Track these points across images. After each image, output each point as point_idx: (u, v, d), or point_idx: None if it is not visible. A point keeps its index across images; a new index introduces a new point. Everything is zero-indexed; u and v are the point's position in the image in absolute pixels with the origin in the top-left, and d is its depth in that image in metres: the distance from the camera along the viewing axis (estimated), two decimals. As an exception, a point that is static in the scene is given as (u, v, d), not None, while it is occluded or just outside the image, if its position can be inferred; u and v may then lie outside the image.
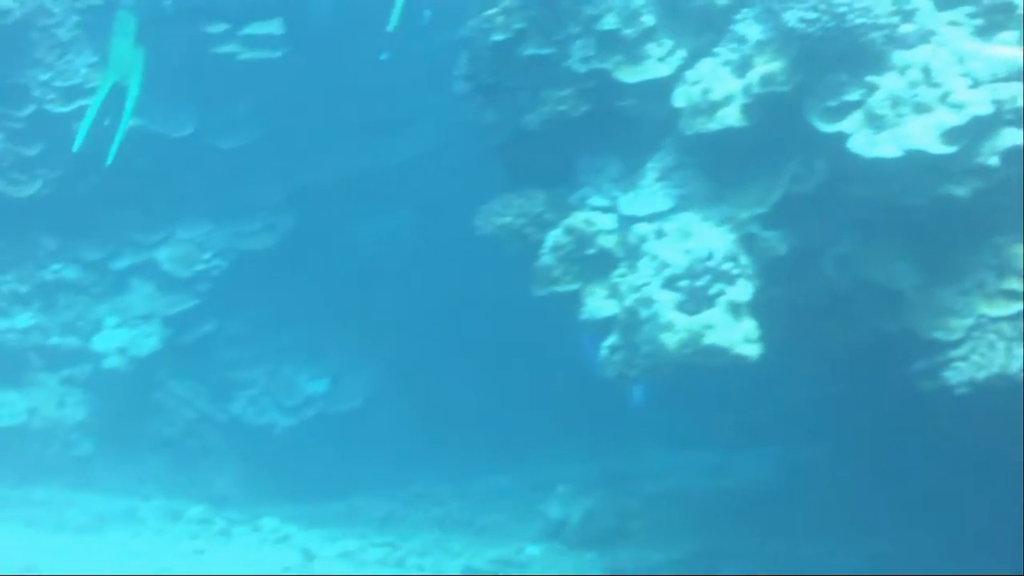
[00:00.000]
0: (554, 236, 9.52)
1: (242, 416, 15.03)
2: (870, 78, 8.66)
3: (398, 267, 15.49)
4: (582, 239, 9.36)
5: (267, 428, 15.10)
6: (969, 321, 8.58)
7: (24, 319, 14.36)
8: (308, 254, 15.15)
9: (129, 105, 12.24)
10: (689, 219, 9.13)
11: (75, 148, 11.96)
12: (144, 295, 14.79)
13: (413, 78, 14.56)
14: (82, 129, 11.90)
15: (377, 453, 15.25)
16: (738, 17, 9.40)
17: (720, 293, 8.68)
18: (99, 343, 14.46)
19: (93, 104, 12.53)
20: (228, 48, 14.35)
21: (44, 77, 14.28)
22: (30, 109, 14.30)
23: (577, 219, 9.44)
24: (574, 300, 9.45)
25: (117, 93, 12.44)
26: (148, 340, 14.45)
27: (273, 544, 11.95)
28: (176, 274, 14.82)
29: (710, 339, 8.51)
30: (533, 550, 12.04)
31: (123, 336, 14.45)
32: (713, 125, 9.04)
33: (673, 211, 9.27)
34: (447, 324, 15.62)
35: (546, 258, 9.49)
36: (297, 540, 12.20)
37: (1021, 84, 8.47)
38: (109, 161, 11.42)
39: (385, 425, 15.48)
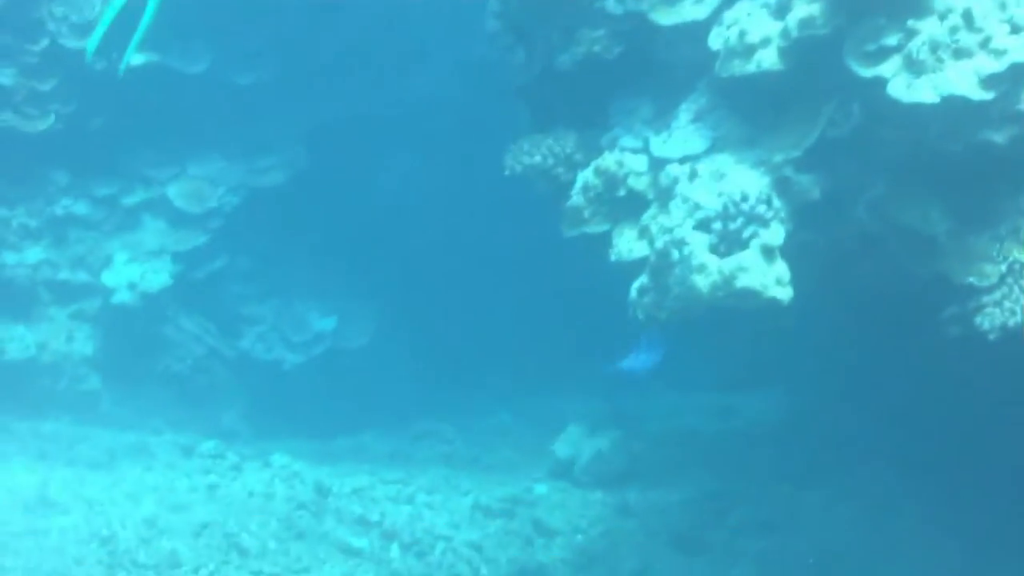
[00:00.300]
0: (584, 177, 9.45)
1: (251, 352, 14.93)
2: (910, 22, 8.58)
3: (408, 206, 15.34)
4: (613, 180, 9.30)
5: (275, 364, 14.90)
6: (1003, 267, 8.55)
7: (34, 254, 14.35)
8: (320, 192, 14.95)
9: (148, 14, 11.95)
10: (723, 161, 9.08)
11: (88, 55, 11.64)
12: (155, 231, 14.77)
13: (430, 14, 14.37)
14: (96, 34, 11.55)
15: (383, 391, 15.22)
16: (778, -41, 9.29)
17: (754, 235, 8.62)
18: (109, 278, 14.39)
19: (111, 8, 12.25)
20: (244, -18, 14.07)
21: (59, 11, 14.13)
22: (44, 43, 14.17)
23: (608, 160, 9.37)
24: (603, 241, 9.36)
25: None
26: (158, 276, 14.45)
27: (284, 480, 11.98)
28: (187, 210, 14.76)
29: (743, 282, 8.48)
30: (541, 488, 12.02)
31: (133, 271, 14.46)
32: (749, 67, 8.98)
33: (706, 153, 9.20)
34: (454, 263, 15.49)
35: (576, 199, 9.43)
36: (308, 476, 12.21)
37: (1063, 32, 8.41)
38: (123, 69, 11.07)
39: (391, 363, 15.43)
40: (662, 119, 9.44)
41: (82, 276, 14.54)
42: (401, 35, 15.13)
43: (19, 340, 13.95)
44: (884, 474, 11.75)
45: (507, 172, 9.59)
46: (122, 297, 14.40)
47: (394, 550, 10.82)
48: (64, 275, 14.49)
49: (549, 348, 15.57)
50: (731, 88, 9.14)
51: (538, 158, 9.39)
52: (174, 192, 14.86)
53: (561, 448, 12.59)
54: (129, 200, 14.89)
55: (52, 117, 14.34)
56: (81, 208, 14.71)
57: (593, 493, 12.14)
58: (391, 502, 11.81)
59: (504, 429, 14.60)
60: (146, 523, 10.72)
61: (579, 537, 11.25)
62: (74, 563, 10.12)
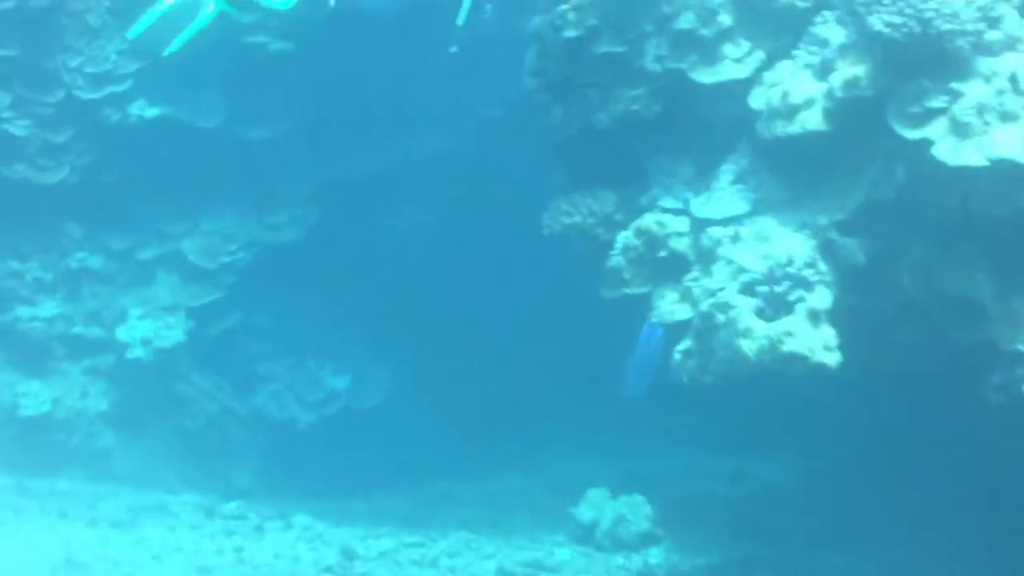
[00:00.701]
0: (625, 237, 9.37)
1: (264, 410, 14.72)
2: (955, 85, 8.50)
3: (419, 263, 15.22)
4: (653, 241, 9.22)
5: (289, 423, 14.73)
6: (1053, 333, 8.39)
7: (49, 308, 14.13)
8: (333, 249, 14.81)
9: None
10: (766, 223, 9.01)
11: (131, 35, 11.33)
12: (169, 286, 14.65)
13: (444, 73, 14.29)
14: (146, 19, 11.20)
15: (396, 451, 15.08)
16: (818, 20, 9.24)
17: (800, 299, 8.51)
18: (123, 334, 14.21)
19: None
20: (259, 39, 13.94)
21: (74, 63, 14.05)
22: (59, 95, 14.06)
23: (648, 220, 9.30)
24: (644, 303, 9.25)
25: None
26: (172, 332, 14.30)
27: (308, 542, 11.79)
28: (201, 265, 14.49)
29: (790, 346, 8.37)
30: (564, 553, 11.82)
31: (147, 327, 14.28)
32: (793, 128, 8.90)
33: (749, 215, 9.13)
34: (465, 322, 15.34)
35: (616, 259, 9.35)
36: (331, 538, 12.03)
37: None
38: (169, 51, 10.78)
39: (404, 423, 15.26)
40: (702, 180, 9.36)
41: (96, 331, 14.40)
42: (413, 93, 14.94)
43: (34, 396, 13.76)
44: (907, 541, 11.44)
45: (546, 231, 9.45)
46: (136, 353, 14.27)
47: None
48: (78, 329, 14.37)
49: (563, 411, 15.31)
50: (773, 148, 9.06)
51: (578, 218, 9.30)
52: (188, 247, 14.67)
53: (584, 512, 12.37)
54: (144, 255, 14.77)
55: (67, 169, 14.22)
56: (95, 262, 14.59)
57: (615, 558, 11.87)
58: (416, 566, 11.59)
59: (519, 492, 14.31)
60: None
61: (596, 604, 10.98)
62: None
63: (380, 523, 13.20)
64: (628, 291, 9.36)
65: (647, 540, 12.00)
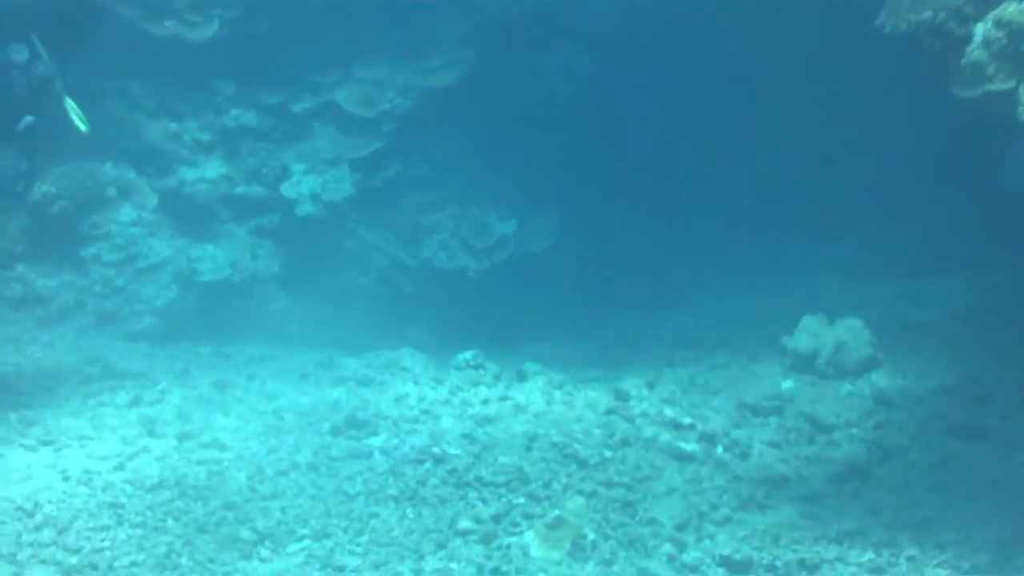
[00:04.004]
0: (983, 30, 8.77)
1: (433, 261, 14.24)
2: None
3: (577, 103, 14.69)
4: (1017, 32, 8.64)
5: (459, 272, 14.25)
6: None
7: (212, 168, 13.47)
8: (489, 90, 14.25)
9: None
10: None
11: None
12: (327, 138, 14.07)
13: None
14: None
15: (567, 294, 14.60)
16: None
17: None
18: (289, 190, 13.64)
19: None
20: None
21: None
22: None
23: (1011, 10, 8.69)
24: (1009, 99, 8.73)
25: None
26: (340, 185, 13.89)
27: (557, 388, 11.31)
28: (359, 115, 13.91)
29: None
30: (787, 383, 11.48)
31: (313, 182, 13.65)
32: None
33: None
34: (622, 163, 14.91)
35: (977, 54, 8.76)
36: (564, 381, 11.57)
37: None
38: None
39: (571, 266, 14.79)
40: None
41: (258, 190, 13.87)
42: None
43: (212, 259, 13.27)
44: None
45: (887, 30, 8.88)
46: (306, 209, 13.73)
47: (719, 451, 10.16)
48: (240, 189, 13.80)
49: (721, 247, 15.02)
50: None
51: (928, 13, 8.69)
52: (343, 97, 14.09)
53: (801, 341, 12.01)
54: (298, 107, 14.14)
55: (216, 23, 13.42)
56: (251, 118, 13.98)
57: (842, 385, 11.54)
58: (667, 405, 11.18)
59: (694, 330, 13.97)
60: (466, 439, 10.04)
61: (855, 431, 10.69)
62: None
63: (586, 366, 12.74)
64: (991, 87, 8.79)
65: (869, 365, 11.56)
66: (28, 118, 10.14)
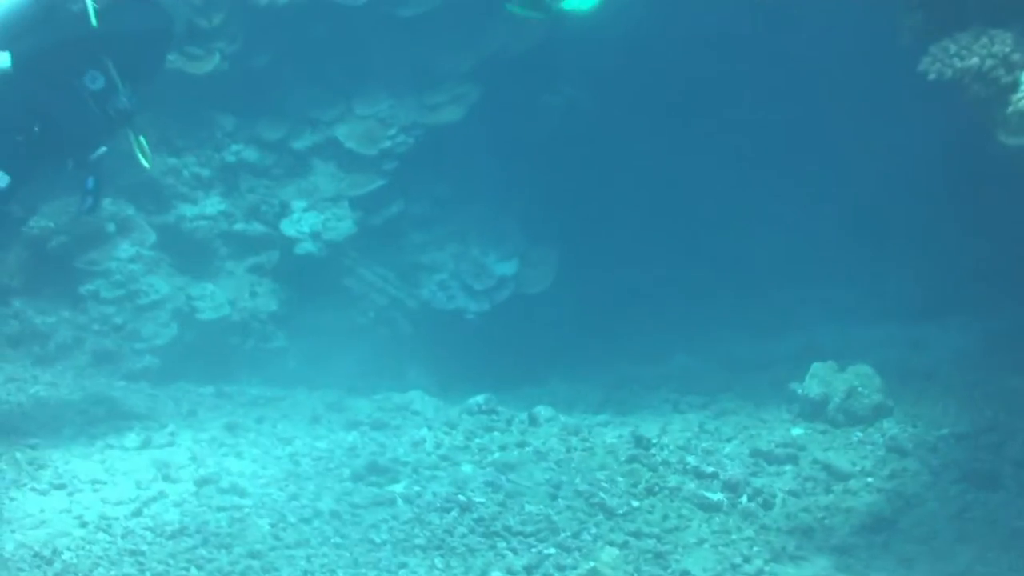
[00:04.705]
0: (1032, 77, 8.67)
1: (432, 301, 14.07)
2: None
3: (577, 140, 14.57)
4: (1064, 81, 8.55)
5: (457, 313, 14.08)
6: None
7: (212, 204, 13.27)
8: (492, 128, 14.11)
9: None
10: None
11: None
12: (328, 175, 13.89)
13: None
14: None
15: (567, 336, 14.49)
16: None
17: None
18: (289, 228, 13.42)
19: None
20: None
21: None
22: (209, -26, 13.06)
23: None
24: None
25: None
26: (341, 223, 13.73)
27: (573, 433, 11.14)
28: (360, 152, 13.73)
29: None
30: (797, 431, 11.39)
31: (314, 220, 13.46)
32: None
33: None
34: (626, 201, 14.80)
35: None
36: (578, 427, 11.43)
37: None
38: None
39: (571, 306, 14.68)
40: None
41: (257, 227, 13.67)
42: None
43: (211, 298, 13.07)
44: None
45: (932, 77, 8.79)
46: (306, 247, 13.54)
47: (744, 501, 10.03)
48: (240, 226, 13.58)
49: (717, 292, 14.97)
50: None
51: (975, 60, 8.60)
52: (344, 133, 13.89)
53: (812, 387, 11.90)
54: (298, 144, 13.92)
55: (217, 57, 13.27)
56: (251, 154, 13.74)
57: (853, 432, 11.44)
58: (687, 453, 11.06)
59: (697, 373, 13.87)
60: (490, 486, 9.87)
61: (870, 480, 10.59)
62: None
63: (592, 410, 12.63)
64: (1038, 136, 8.70)
65: (880, 412, 11.47)
66: (102, 148, 10.15)
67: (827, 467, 10.66)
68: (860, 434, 11.29)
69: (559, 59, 14.48)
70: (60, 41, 10.06)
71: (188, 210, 13.41)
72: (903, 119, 13.53)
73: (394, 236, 14.13)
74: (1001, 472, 10.21)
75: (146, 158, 10.13)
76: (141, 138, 10.07)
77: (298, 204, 13.72)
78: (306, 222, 13.61)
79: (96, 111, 9.93)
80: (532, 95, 14.57)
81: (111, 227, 12.91)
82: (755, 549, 9.25)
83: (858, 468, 10.65)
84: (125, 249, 12.94)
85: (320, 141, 14.05)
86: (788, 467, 10.74)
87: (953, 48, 8.61)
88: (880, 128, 14.33)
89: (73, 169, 10.15)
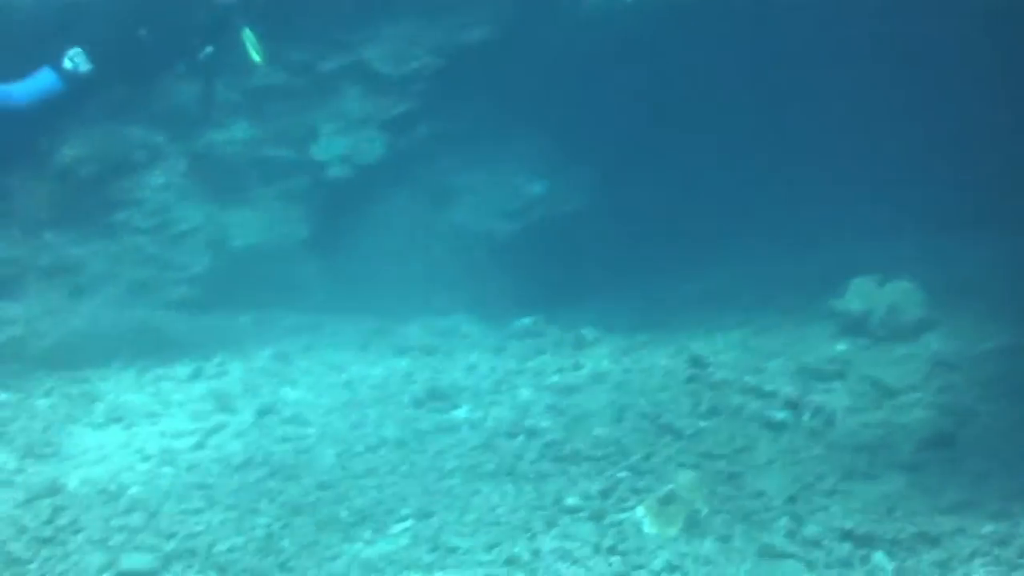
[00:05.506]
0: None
1: (464, 223, 13.91)
2: None
3: (605, 59, 14.35)
4: None
5: (490, 234, 13.93)
6: None
7: (240, 129, 13.12)
8: (522, 47, 13.88)
9: None
10: None
11: None
12: (356, 98, 13.64)
13: None
14: None
15: (603, 255, 14.36)
16: None
17: None
18: (318, 152, 13.23)
19: None
20: None
21: None
22: None
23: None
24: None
25: None
26: (371, 146, 13.44)
27: (626, 354, 11.02)
28: (388, 73, 13.49)
29: None
30: (841, 346, 11.30)
31: (343, 144, 13.24)
32: None
33: None
34: (663, 118, 14.62)
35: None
36: (624, 346, 11.32)
37: None
38: None
39: (604, 225, 14.53)
40: None
41: (287, 152, 13.41)
42: None
43: (242, 224, 12.80)
44: None
45: None
46: (336, 171, 13.35)
47: (806, 419, 9.93)
48: (269, 151, 13.33)
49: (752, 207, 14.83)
50: None
51: None
52: (372, 55, 13.60)
53: (853, 302, 11.82)
54: (325, 66, 13.67)
55: (240, -24, 12.94)
56: (278, 78, 13.46)
57: (897, 347, 11.36)
58: (749, 373, 10.93)
59: (730, 291, 13.75)
60: (553, 410, 9.77)
61: (918, 394, 10.51)
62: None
63: (632, 329, 12.49)
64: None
65: (923, 327, 11.39)
66: (208, 48, 10.29)
67: (875, 383, 10.50)
68: (904, 349, 11.07)
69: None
70: None
71: (217, 135, 13.07)
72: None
73: (424, 159, 13.92)
74: (1046, 387, 10.00)
75: (257, 52, 9.96)
76: (248, 31, 9.90)
77: (327, 128, 13.39)
78: (335, 146, 13.37)
79: (200, 12, 9.77)
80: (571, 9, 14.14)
81: (141, 155, 12.59)
82: (826, 467, 9.04)
83: (905, 383, 10.46)
84: (156, 177, 12.71)
85: (347, 63, 13.74)
86: (836, 383, 10.64)
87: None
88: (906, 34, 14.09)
89: (185, 72, 9.80)
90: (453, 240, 14.06)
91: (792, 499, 8.61)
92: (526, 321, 11.56)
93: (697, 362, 10.71)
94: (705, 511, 8.32)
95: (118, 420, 9.55)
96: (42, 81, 9.74)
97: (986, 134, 13.76)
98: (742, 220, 14.88)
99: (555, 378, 10.49)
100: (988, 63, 12.92)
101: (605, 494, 8.60)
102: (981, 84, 13.56)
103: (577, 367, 10.67)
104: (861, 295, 11.79)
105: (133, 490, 8.52)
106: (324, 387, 10.21)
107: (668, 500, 8.31)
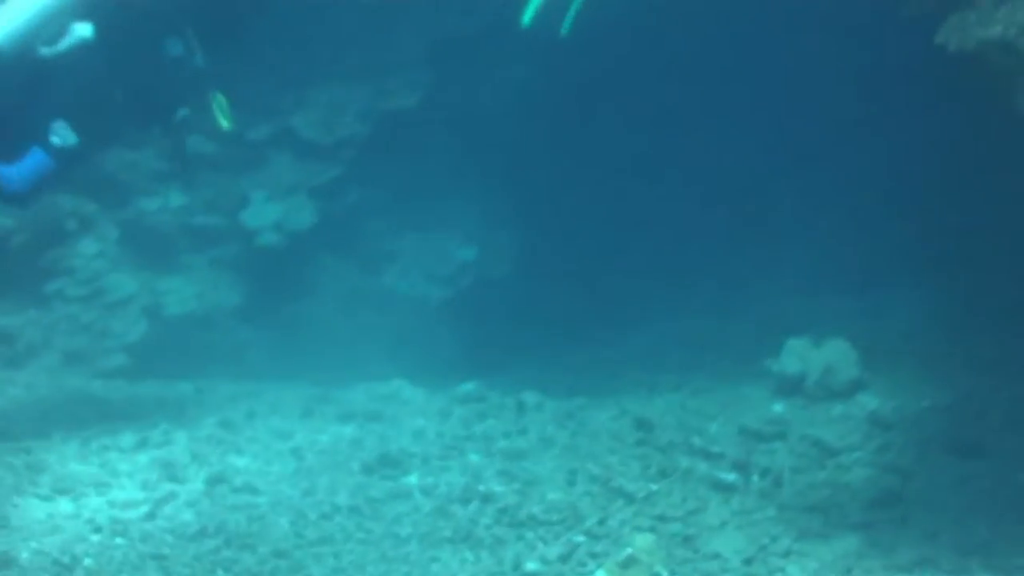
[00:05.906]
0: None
1: (395, 288, 13.88)
2: None
3: (527, 121, 14.45)
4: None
5: (421, 300, 13.93)
6: None
7: (175, 198, 13.04)
8: (447, 112, 13.96)
9: None
10: None
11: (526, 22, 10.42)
12: (285, 165, 13.55)
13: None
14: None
15: (532, 319, 14.37)
16: None
17: None
18: (250, 219, 13.16)
19: None
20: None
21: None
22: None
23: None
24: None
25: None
26: (302, 213, 13.35)
27: (572, 417, 11.08)
28: (317, 141, 13.47)
29: None
30: (778, 407, 11.37)
31: (274, 211, 13.21)
32: None
33: None
34: (581, 185, 14.73)
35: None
36: (570, 409, 11.35)
37: None
38: (565, 31, 10.00)
39: (531, 289, 14.57)
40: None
41: (216, 219, 13.31)
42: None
43: (178, 292, 12.78)
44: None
45: (952, 48, 8.71)
46: (268, 238, 13.24)
47: (756, 480, 9.98)
48: (199, 219, 13.23)
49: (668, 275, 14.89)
50: None
51: (997, 29, 8.54)
52: (300, 122, 13.59)
53: (788, 363, 11.91)
54: (254, 134, 13.60)
55: (171, 50, 12.91)
56: (208, 146, 13.33)
57: (834, 407, 11.46)
58: (684, 430, 10.99)
59: (660, 352, 13.81)
60: (503, 476, 9.77)
61: (858, 454, 10.61)
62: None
63: (566, 394, 12.50)
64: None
65: (859, 386, 11.51)
66: (183, 111, 10.17)
67: (816, 443, 10.56)
68: (842, 408, 11.19)
69: (512, 36, 14.17)
70: (141, 10, 9.85)
71: (148, 204, 12.96)
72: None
73: (354, 224, 13.89)
74: (984, 441, 10.13)
75: (225, 118, 9.92)
76: (220, 96, 9.87)
77: (258, 195, 13.35)
78: (267, 213, 13.28)
79: (175, 75, 9.74)
80: (487, 74, 14.25)
81: (72, 224, 12.47)
82: (780, 528, 9.06)
83: (846, 443, 10.51)
84: (88, 245, 12.56)
85: (276, 130, 13.68)
86: (778, 444, 10.67)
87: (973, 17, 8.50)
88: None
89: (159, 135, 10.12)
90: (387, 305, 13.99)
91: (749, 560, 8.65)
92: (468, 386, 11.49)
93: (643, 425, 10.67)
94: (665, 574, 8.23)
95: (66, 491, 9.39)
96: (34, 163, 9.61)
97: (919, 189, 13.91)
98: (668, 278, 14.85)
99: (503, 443, 10.44)
100: (917, 123, 13.09)
101: (564, 558, 8.58)
102: (916, 141, 13.74)
103: (523, 431, 10.58)
104: (796, 356, 11.82)
105: (87, 562, 8.39)
106: (272, 455, 10.11)
107: (628, 563, 8.28)
